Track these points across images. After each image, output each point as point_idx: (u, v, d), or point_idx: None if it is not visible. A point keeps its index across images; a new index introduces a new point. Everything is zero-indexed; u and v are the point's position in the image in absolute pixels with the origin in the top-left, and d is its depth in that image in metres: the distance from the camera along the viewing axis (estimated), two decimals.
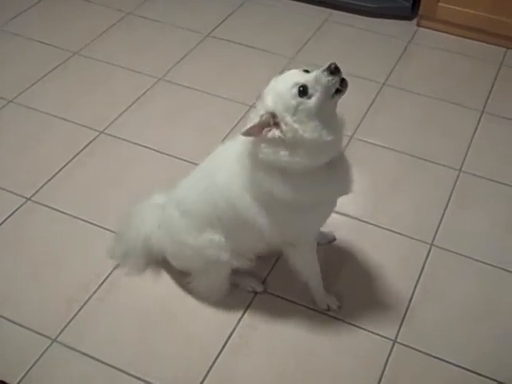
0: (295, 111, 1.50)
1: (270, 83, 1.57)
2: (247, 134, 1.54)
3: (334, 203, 1.77)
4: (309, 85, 1.49)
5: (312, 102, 1.50)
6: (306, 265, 1.87)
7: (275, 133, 1.52)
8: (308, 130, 1.51)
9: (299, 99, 1.49)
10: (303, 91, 1.49)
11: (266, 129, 1.52)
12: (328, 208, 1.77)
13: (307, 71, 1.55)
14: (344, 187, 1.71)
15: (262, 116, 1.51)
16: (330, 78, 1.49)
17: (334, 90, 1.50)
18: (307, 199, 1.63)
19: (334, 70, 1.49)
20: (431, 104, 2.79)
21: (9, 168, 2.44)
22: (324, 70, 1.50)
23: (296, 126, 1.50)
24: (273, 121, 1.52)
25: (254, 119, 1.53)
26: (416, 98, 2.82)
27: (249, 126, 1.52)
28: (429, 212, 2.29)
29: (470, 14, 3.06)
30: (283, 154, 1.53)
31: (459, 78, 2.94)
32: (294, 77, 1.53)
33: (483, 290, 2.05)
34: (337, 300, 1.97)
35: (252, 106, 2.65)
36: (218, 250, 1.80)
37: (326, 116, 1.53)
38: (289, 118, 1.50)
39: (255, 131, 1.53)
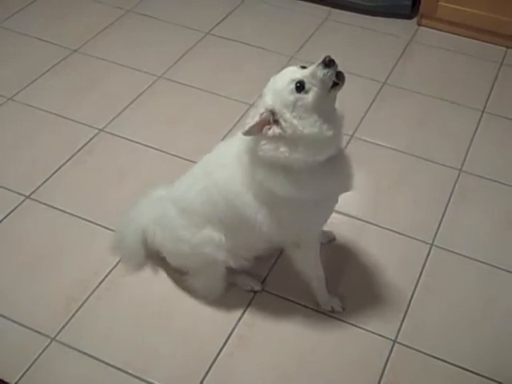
0: (294, 107, 1.50)
1: (269, 81, 1.57)
2: (248, 133, 1.54)
3: (336, 200, 1.76)
4: (305, 80, 1.49)
5: (309, 96, 1.50)
6: (310, 265, 1.86)
7: (275, 130, 1.52)
8: (307, 126, 1.50)
9: (297, 95, 1.49)
10: (300, 87, 1.49)
11: (267, 127, 1.52)
12: (329, 205, 1.76)
13: (304, 67, 1.55)
14: (345, 184, 1.71)
15: (261, 114, 1.51)
16: (325, 71, 1.49)
17: (330, 83, 1.50)
18: (309, 196, 1.62)
19: (328, 63, 1.49)
20: (432, 103, 2.78)
21: (7, 165, 2.43)
22: (319, 64, 1.50)
23: (295, 122, 1.50)
24: (272, 118, 1.52)
25: (254, 118, 1.52)
26: (416, 97, 2.82)
27: (250, 125, 1.52)
28: (429, 212, 2.29)
29: (470, 13, 3.06)
30: (283, 151, 1.53)
31: (460, 78, 2.94)
32: (291, 73, 1.53)
33: (483, 290, 2.05)
34: (340, 301, 1.96)
35: (252, 105, 2.68)
36: (215, 248, 1.79)
37: (325, 111, 1.53)
38: (288, 115, 1.50)
39: (256, 130, 1.53)
